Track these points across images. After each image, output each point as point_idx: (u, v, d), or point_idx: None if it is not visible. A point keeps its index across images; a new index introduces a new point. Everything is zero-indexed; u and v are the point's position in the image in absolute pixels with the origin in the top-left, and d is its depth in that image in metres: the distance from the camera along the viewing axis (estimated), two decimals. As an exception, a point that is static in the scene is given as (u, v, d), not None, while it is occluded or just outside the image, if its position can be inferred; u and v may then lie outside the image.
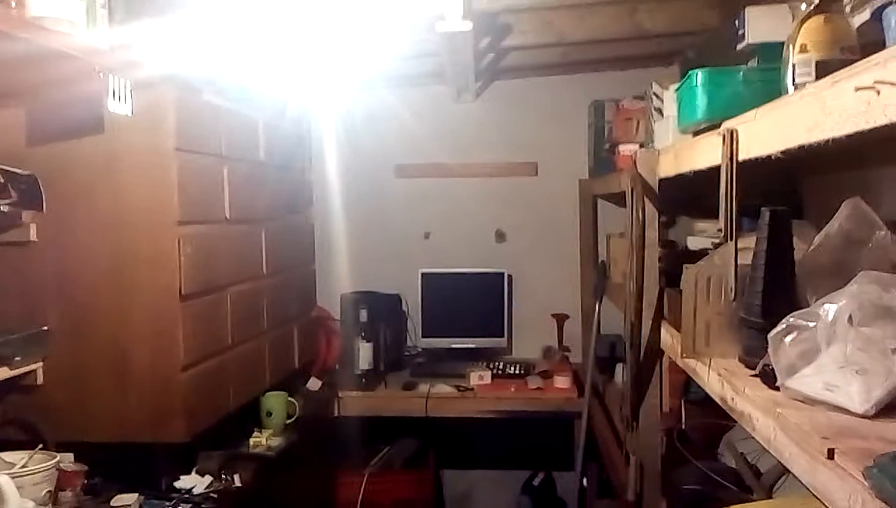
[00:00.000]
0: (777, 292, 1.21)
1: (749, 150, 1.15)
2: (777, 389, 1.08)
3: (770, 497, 1.52)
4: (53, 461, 1.52)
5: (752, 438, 1.81)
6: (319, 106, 3.16)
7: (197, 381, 1.79)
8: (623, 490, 2.17)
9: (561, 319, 3.34)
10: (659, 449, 1.81)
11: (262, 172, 2.31)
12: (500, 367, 3.10)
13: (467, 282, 3.35)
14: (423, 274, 3.33)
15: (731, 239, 1.21)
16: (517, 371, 3.06)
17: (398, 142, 3.37)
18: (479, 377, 2.95)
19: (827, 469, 0.84)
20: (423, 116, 3.31)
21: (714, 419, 1.99)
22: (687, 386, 1.93)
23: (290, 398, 2.33)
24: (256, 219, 2.24)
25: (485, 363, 3.14)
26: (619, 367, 2.92)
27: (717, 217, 2.29)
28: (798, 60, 1.07)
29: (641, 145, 2.36)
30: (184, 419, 1.72)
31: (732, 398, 1.19)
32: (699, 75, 1.42)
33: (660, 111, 2.03)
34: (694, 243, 2.18)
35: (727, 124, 1.22)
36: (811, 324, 1.03)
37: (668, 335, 1.70)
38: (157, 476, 1.76)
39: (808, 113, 0.91)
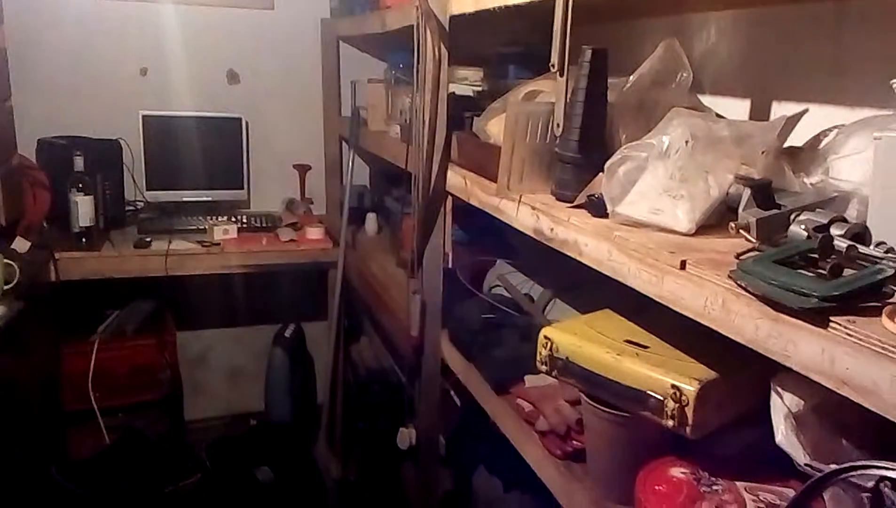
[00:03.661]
0: (592, 129, 1.29)
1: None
2: (602, 217, 1.18)
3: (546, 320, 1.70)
4: None
5: (518, 271, 2.01)
6: None
7: None
8: (391, 330, 2.26)
9: (303, 170, 3.22)
10: (441, 287, 1.89)
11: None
12: (244, 221, 2.92)
13: (198, 127, 3.00)
14: (143, 117, 2.91)
15: (564, 75, 1.23)
16: (264, 224, 2.92)
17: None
18: (223, 231, 2.75)
19: (678, 278, 0.94)
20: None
21: (480, 258, 2.15)
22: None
23: (6, 261, 1.93)
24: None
25: (225, 218, 2.93)
26: (369, 216, 2.96)
27: (479, 65, 2.35)
28: None
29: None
30: None
31: (552, 229, 1.27)
32: None
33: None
34: (458, 90, 2.22)
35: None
36: (643, 155, 1.12)
37: (458, 178, 1.73)
38: None
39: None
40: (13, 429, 1.91)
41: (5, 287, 1.90)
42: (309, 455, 2.70)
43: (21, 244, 2.33)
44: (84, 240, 2.55)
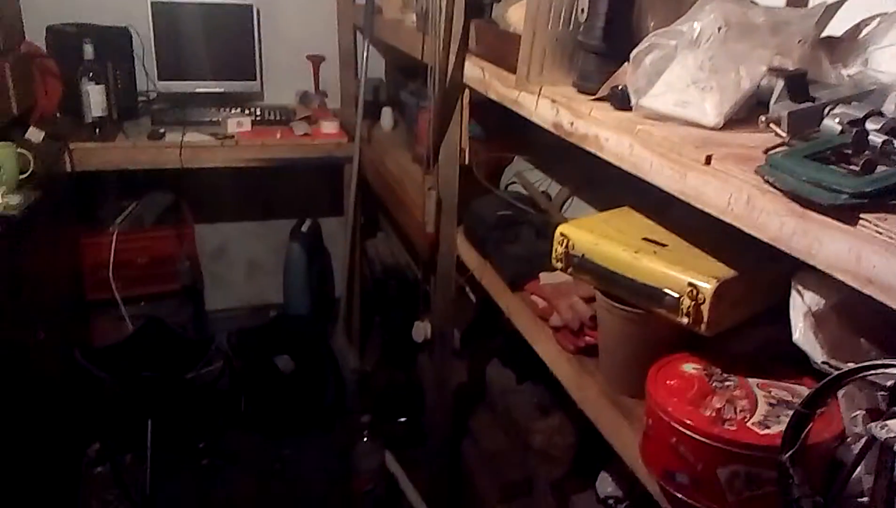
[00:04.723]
0: (619, 16, 1.22)
1: None
2: (625, 110, 1.13)
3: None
4: None
5: (536, 169, 1.97)
6: None
7: None
8: (407, 226, 2.25)
9: (317, 61, 3.13)
10: (456, 183, 1.86)
11: None
12: (258, 113, 2.87)
13: (209, 14, 2.90)
14: (153, 3, 2.81)
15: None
16: (278, 117, 2.86)
17: None
18: (237, 123, 2.71)
19: (702, 174, 0.91)
20: None
21: (498, 154, 2.11)
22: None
23: (20, 150, 1.91)
24: None
25: (238, 110, 2.88)
26: (384, 110, 2.90)
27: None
28: None
29: None
30: None
31: (572, 123, 1.22)
32: None
33: None
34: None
35: None
36: (672, 43, 1.06)
37: (475, 69, 1.66)
38: None
39: None
40: (35, 314, 1.96)
41: (21, 177, 1.90)
42: (327, 347, 2.77)
43: (35, 134, 2.31)
44: (97, 130, 2.53)
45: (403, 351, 2.65)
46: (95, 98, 2.49)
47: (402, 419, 2.65)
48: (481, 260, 1.74)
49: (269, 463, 2.52)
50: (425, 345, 2.20)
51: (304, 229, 3.06)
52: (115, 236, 2.62)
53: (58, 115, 2.56)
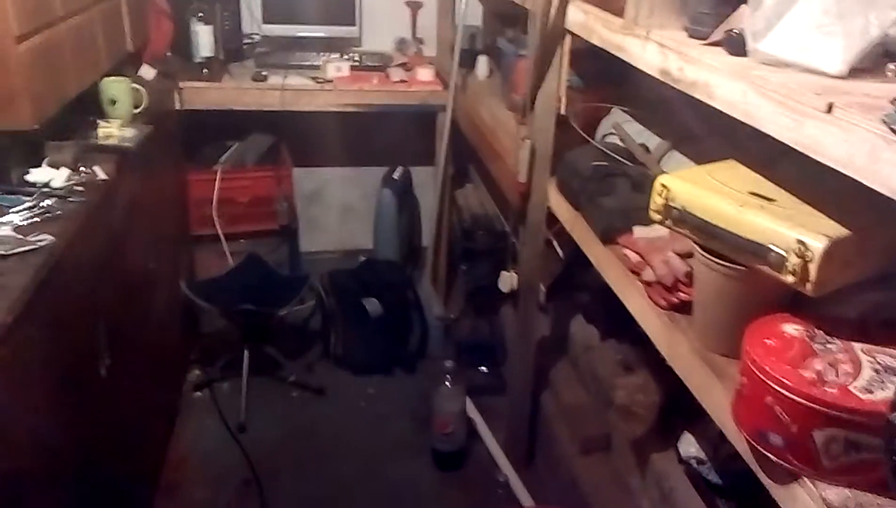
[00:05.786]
0: (739, -45, 1.15)
1: None
2: (740, 56, 1.08)
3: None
4: None
5: (635, 121, 1.91)
6: None
7: (35, 56, 1.44)
8: (498, 176, 2.24)
9: (415, 7, 3.12)
10: (552, 133, 1.83)
11: None
12: (356, 59, 2.90)
13: (312, -41, 2.94)
14: (261, -52, 2.87)
15: None
16: (375, 63, 2.89)
17: None
18: (336, 68, 2.75)
19: (821, 123, 0.86)
20: None
21: (595, 104, 2.06)
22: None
23: (134, 85, 2.01)
24: None
25: (337, 55, 2.92)
26: (480, 59, 2.87)
27: None
28: None
29: None
30: (29, 102, 1.40)
31: (680, 68, 1.17)
32: None
33: None
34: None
35: None
36: (796, -17, 0.99)
37: (579, 13, 1.62)
38: (4, 170, 1.48)
39: None
40: (146, 244, 2.08)
41: (134, 111, 2.00)
42: (413, 292, 2.82)
43: (147, 72, 2.42)
44: (205, 70, 2.63)
45: (487, 301, 2.67)
46: (204, 38, 2.58)
47: (484, 368, 2.68)
48: (573, 212, 1.72)
49: (355, 400, 2.61)
50: (510, 296, 2.21)
51: (395, 176, 3.10)
52: (218, 175, 2.74)
53: (168, 54, 2.66)
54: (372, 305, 2.67)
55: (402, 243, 3.18)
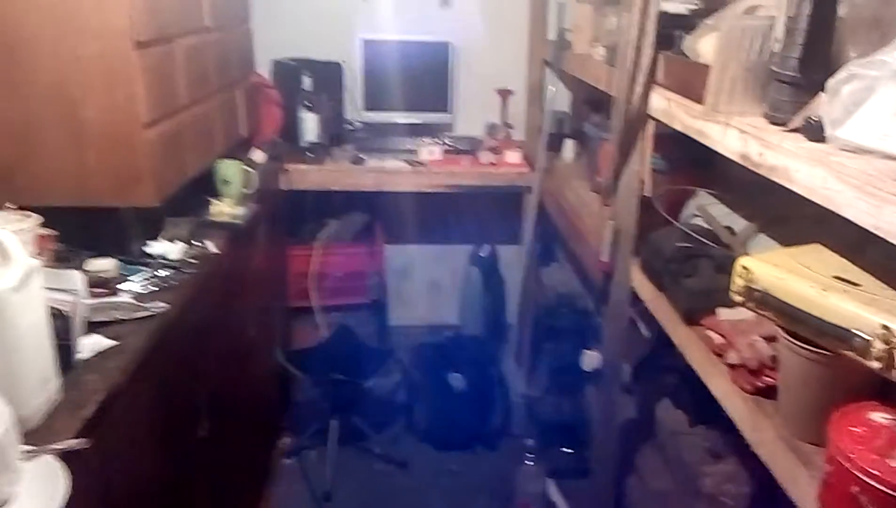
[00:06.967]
0: (817, 45, 1.18)
1: None
2: (819, 142, 1.09)
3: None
4: (33, 220, 1.37)
5: (721, 203, 1.91)
6: None
7: (161, 141, 1.63)
8: (582, 255, 2.27)
9: (505, 94, 3.26)
10: (635, 214, 1.86)
11: None
12: (448, 143, 3.04)
13: (411, 51, 3.15)
14: (364, 41, 3.10)
15: (786, -15, 1.13)
16: (465, 147, 3.02)
17: None
18: (429, 151, 2.89)
19: (900, 208, 0.86)
20: None
21: (680, 186, 2.07)
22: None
23: (245, 168, 2.20)
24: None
25: (431, 139, 3.07)
26: (566, 142, 2.95)
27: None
28: None
29: None
30: (153, 182, 1.58)
31: (760, 154, 1.19)
32: None
33: None
34: (671, 8, 2.10)
35: None
36: (873, 73, 1.01)
37: (661, 100, 1.67)
38: (127, 242, 1.65)
39: None
40: (249, 314, 2.22)
41: (245, 191, 2.18)
42: (497, 369, 2.84)
43: (258, 155, 2.63)
44: (309, 154, 2.83)
45: (571, 380, 2.65)
46: (310, 125, 2.79)
47: (567, 449, 2.64)
48: (656, 292, 1.72)
49: (437, 475, 2.62)
50: (594, 376, 2.19)
51: (482, 253, 3.18)
52: (317, 250, 2.90)
53: (276, 138, 2.89)
54: (455, 380, 2.70)
55: (487, 319, 3.23)
